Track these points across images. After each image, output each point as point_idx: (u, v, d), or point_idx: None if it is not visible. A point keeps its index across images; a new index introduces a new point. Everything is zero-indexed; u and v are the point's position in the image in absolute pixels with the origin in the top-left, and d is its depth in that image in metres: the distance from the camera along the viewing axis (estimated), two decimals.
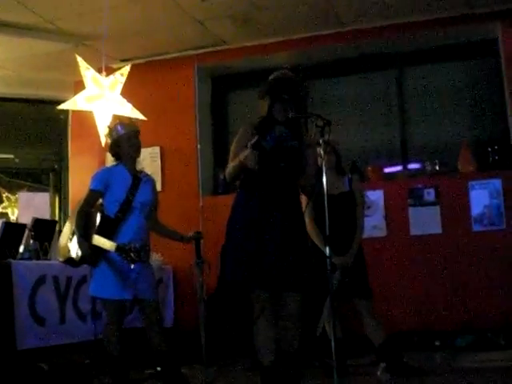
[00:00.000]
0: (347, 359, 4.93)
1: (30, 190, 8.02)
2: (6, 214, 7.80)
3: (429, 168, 6.74)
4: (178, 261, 6.71)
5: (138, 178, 4.26)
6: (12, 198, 7.84)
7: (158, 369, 4.63)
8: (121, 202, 4.12)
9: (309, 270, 3.70)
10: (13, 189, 7.99)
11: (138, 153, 4.29)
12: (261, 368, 3.74)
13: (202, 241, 4.80)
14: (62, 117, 7.95)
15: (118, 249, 3.94)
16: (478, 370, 4.98)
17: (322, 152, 3.60)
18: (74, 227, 4.11)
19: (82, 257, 4.05)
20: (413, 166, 6.99)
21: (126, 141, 4.23)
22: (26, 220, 5.66)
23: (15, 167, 8.18)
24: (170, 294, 6.77)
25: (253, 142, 3.53)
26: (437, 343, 6.03)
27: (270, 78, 3.90)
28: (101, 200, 4.20)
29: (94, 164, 7.29)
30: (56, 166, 8.19)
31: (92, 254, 4.02)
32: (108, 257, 4.04)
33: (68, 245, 4.18)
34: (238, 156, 3.65)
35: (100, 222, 4.13)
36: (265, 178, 3.67)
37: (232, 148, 3.84)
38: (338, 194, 4.84)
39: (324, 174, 3.59)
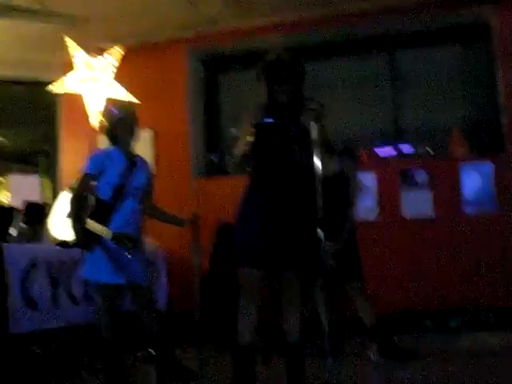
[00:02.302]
0: (340, 341, 4.97)
1: (21, 172, 7.97)
2: None
3: (421, 151, 6.77)
4: (170, 243, 6.72)
5: (133, 162, 4.24)
6: (3, 180, 7.79)
7: (151, 351, 4.64)
8: (115, 187, 4.10)
9: (309, 252, 3.69)
10: (3, 171, 7.93)
11: (133, 136, 4.27)
12: (235, 347, 3.70)
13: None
14: (52, 99, 7.86)
15: (114, 237, 3.93)
16: (469, 352, 5.05)
17: (315, 135, 3.57)
18: (68, 211, 4.10)
19: (75, 241, 4.05)
20: (405, 149, 6.99)
21: (122, 124, 4.22)
22: (17, 203, 5.63)
23: (5, 149, 8.11)
24: (162, 276, 6.76)
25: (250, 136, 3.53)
26: (428, 324, 6.07)
27: (265, 59, 3.87)
28: (95, 183, 4.17)
29: (85, 146, 7.24)
30: (47, 148, 8.13)
31: (86, 238, 4.01)
32: (101, 241, 4.03)
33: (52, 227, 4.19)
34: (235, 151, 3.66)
35: (94, 206, 4.11)
36: (272, 167, 3.65)
37: (240, 134, 3.81)
38: (329, 176, 4.77)
39: (317, 156, 3.58)
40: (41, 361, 4.58)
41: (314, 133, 3.56)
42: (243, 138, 3.69)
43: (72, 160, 7.58)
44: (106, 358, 4.19)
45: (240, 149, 3.67)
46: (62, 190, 4.87)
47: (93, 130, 5.97)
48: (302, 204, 3.68)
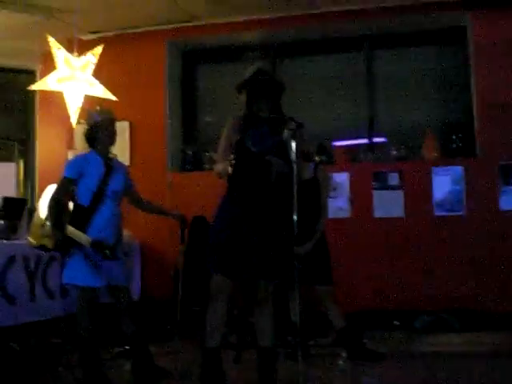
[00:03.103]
0: (309, 340, 5.12)
1: None
2: None
3: (393, 152, 6.89)
4: (144, 232, 6.80)
5: (111, 167, 4.31)
6: None
7: (127, 347, 4.74)
8: (94, 191, 4.17)
9: (284, 262, 3.83)
10: None
11: (113, 141, 4.34)
12: (204, 349, 3.87)
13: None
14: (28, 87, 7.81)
15: (93, 244, 4.02)
16: (435, 354, 5.19)
17: (293, 156, 3.68)
18: (46, 214, 4.17)
19: (55, 245, 4.11)
20: (378, 140, 7.14)
21: (102, 129, 4.29)
22: None
23: None
24: (136, 266, 6.86)
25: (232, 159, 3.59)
26: (396, 323, 6.23)
27: (247, 73, 3.94)
28: (74, 187, 4.24)
29: (62, 136, 7.32)
30: (23, 136, 8.07)
31: (65, 242, 4.08)
32: (81, 246, 4.10)
33: (40, 230, 4.24)
34: (217, 166, 3.79)
35: (73, 211, 4.18)
36: (249, 184, 3.77)
37: (220, 141, 3.89)
38: (302, 182, 4.88)
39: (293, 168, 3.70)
40: (19, 357, 4.65)
41: (292, 149, 3.67)
42: (224, 151, 3.79)
43: (49, 148, 7.61)
44: (82, 354, 4.27)
45: (223, 168, 3.74)
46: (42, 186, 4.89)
47: (70, 121, 6.00)
48: (275, 217, 3.81)
